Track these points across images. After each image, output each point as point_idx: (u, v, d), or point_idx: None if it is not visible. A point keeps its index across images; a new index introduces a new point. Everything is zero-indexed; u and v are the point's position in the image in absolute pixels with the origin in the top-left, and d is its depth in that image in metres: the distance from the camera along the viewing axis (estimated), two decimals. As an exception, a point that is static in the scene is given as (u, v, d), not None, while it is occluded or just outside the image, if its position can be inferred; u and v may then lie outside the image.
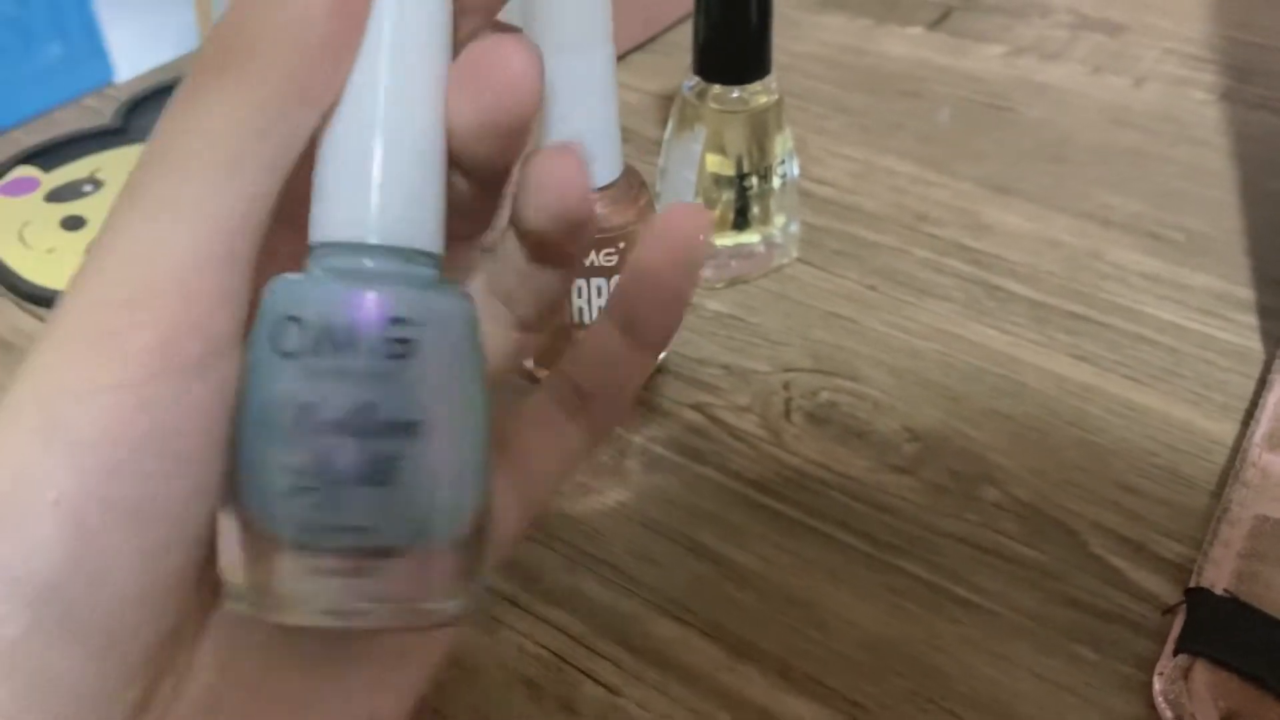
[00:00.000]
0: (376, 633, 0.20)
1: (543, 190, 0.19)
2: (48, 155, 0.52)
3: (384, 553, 0.16)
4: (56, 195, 0.49)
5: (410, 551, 0.17)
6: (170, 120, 0.16)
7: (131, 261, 0.16)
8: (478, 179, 0.19)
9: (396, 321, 0.16)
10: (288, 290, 0.17)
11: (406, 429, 0.16)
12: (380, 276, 0.17)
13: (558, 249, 0.20)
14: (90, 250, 0.16)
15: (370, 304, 0.16)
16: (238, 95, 0.16)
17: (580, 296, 0.37)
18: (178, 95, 0.17)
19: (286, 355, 0.16)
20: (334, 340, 0.16)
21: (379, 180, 0.17)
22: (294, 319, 0.16)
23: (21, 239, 0.47)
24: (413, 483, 0.17)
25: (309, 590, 0.16)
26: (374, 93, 0.17)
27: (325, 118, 0.17)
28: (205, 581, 0.19)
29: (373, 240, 0.17)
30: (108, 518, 0.15)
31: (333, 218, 0.17)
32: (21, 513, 0.15)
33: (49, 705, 0.15)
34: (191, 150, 0.16)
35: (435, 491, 0.17)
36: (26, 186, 0.50)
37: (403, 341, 0.16)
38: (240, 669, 0.19)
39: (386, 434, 0.16)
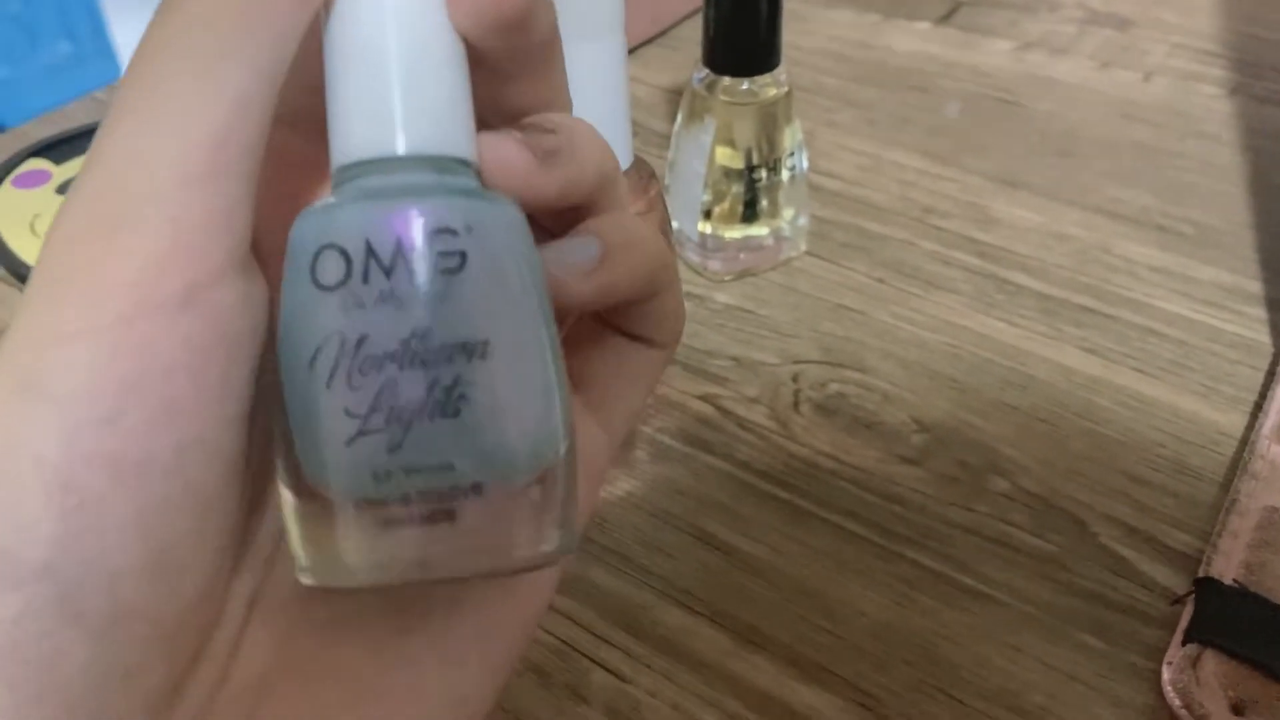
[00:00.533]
0: (462, 583, 0.18)
1: None
2: (59, 148, 0.52)
3: (464, 492, 0.15)
4: (67, 188, 0.50)
5: (493, 488, 0.15)
6: (148, 34, 0.15)
7: (109, 186, 0.14)
8: (495, 80, 0.17)
9: (443, 232, 0.15)
10: (318, 219, 0.15)
11: (470, 350, 0.15)
12: (418, 189, 0.15)
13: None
14: (72, 184, 0.15)
15: (414, 217, 0.15)
16: None
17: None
18: (157, 10, 0.15)
19: (327, 289, 0.15)
20: (379, 263, 0.15)
21: (398, 85, 0.15)
22: (331, 247, 0.15)
23: (33, 230, 0.47)
24: (486, 410, 0.15)
25: (385, 545, 0.15)
26: None
27: (326, 29, 0.16)
28: (245, 555, 0.17)
29: (402, 151, 0.15)
30: (97, 477, 0.14)
31: (354, 135, 0.16)
32: (4, 481, 0.14)
33: (52, 694, 0.14)
34: (170, 57, 0.14)
35: (512, 417, 0.15)
36: (38, 179, 0.50)
37: (453, 254, 0.15)
38: (297, 650, 0.17)
39: (449, 358, 0.15)
